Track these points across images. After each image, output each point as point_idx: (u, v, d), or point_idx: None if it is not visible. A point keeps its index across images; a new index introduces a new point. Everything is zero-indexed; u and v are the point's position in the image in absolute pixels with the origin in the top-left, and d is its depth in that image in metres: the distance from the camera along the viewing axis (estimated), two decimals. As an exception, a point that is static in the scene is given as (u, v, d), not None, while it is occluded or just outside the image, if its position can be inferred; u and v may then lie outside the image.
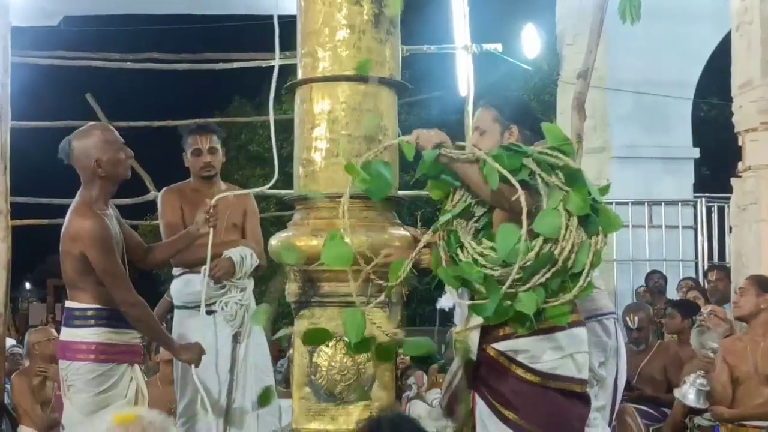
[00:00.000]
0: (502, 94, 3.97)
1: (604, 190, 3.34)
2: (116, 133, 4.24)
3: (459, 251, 3.35)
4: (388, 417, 3.05)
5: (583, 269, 3.17)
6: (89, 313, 4.08)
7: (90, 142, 4.12)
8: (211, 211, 4.29)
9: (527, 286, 3.17)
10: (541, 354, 3.40)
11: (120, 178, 4.21)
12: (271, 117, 4.19)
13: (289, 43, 4.27)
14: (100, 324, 4.08)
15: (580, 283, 3.19)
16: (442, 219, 3.42)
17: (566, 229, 3.13)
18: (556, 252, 3.15)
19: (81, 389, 4.07)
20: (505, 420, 3.43)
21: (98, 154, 4.09)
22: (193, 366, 4.34)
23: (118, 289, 4.02)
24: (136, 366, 4.27)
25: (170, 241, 4.62)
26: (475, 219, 3.46)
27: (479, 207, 3.46)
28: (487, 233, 3.41)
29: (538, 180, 3.18)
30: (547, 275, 3.17)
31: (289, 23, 4.18)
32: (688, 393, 5.25)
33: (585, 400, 3.55)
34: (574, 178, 3.19)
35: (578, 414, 3.52)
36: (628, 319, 6.79)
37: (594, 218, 3.16)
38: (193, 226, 4.39)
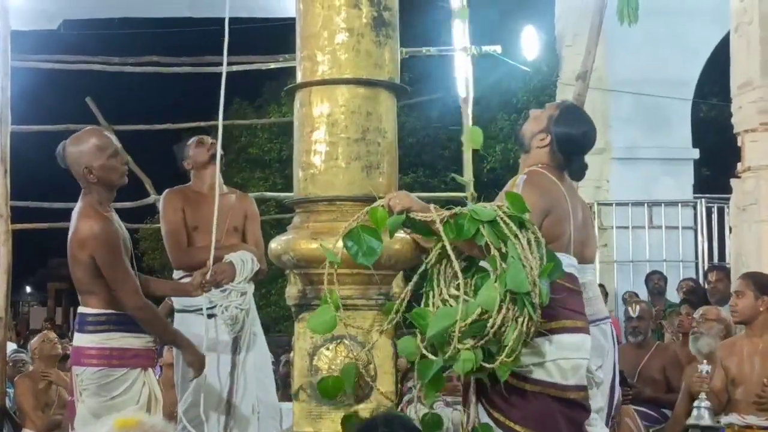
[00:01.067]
0: (577, 114, 4.03)
1: (547, 269, 3.34)
2: (112, 138, 4.18)
3: (431, 295, 3.40)
4: (382, 416, 3.07)
5: (513, 345, 3.26)
6: (103, 318, 4.06)
7: (82, 149, 4.08)
8: (208, 278, 4.32)
9: (465, 346, 3.25)
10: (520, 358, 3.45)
11: (114, 185, 4.15)
12: (221, 123, 4.19)
13: (288, 47, 4.29)
14: (113, 329, 4.06)
15: (502, 356, 3.26)
16: (420, 270, 3.48)
17: (500, 306, 3.22)
18: (489, 324, 3.23)
19: (94, 393, 4.04)
20: (496, 422, 3.51)
21: (89, 160, 4.06)
22: (192, 373, 4.35)
23: (124, 292, 4.00)
24: (150, 370, 4.23)
25: (166, 283, 4.65)
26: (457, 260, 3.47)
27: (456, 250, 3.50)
28: (467, 274, 3.44)
29: (493, 249, 3.27)
30: (481, 342, 3.26)
31: (288, 26, 4.19)
32: (703, 415, 5.18)
33: (578, 405, 3.57)
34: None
35: (570, 418, 3.55)
36: (630, 308, 6.77)
37: (529, 298, 3.24)
38: (189, 284, 4.41)
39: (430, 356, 3.31)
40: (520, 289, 3.21)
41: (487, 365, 3.29)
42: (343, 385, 3.57)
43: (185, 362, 4.39)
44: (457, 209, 3.38)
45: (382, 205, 3.51)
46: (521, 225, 3.31)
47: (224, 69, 4.17)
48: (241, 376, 4.75)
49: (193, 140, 5.16)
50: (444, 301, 3.34)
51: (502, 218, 3.28)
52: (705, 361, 5.19)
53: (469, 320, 3.23)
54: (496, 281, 3.23)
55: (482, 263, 3.34)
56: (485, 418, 3.53)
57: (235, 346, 4.74)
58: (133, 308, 4.02)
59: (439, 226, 3.34)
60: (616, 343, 4.18)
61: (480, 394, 3.56)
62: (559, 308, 3.53)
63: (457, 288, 3.34)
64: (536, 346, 3.46)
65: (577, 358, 3.55)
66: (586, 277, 3.94)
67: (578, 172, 3.94)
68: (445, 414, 4.02)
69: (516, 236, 3.25)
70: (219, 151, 4.78)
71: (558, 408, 3.51)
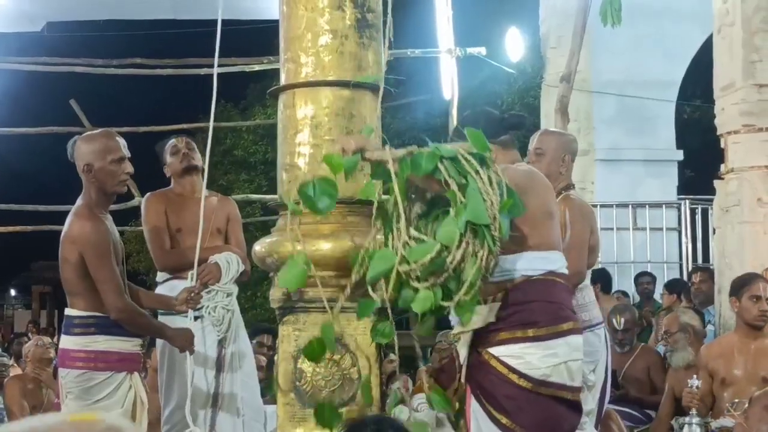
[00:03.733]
0: (465, 119, 3.99)
1: (506, 204, 3.29)
2: (122, 145, 4.14)
3: (390, 236, 3.32)
4: (372, 417, 3.06)
5: (472, 279, 3.18)
6: (90, 320, 4.05)
7: (89, 147, 4.08)
8: (193, 295, 4.32)
9: (425, 284, 3.19)
10: (535, 361, 3.45)
11: (109, 191, 4.13)
12: (211, 125, 4.18)
13: (272, 49, 4.28)
14: (99, 332, 4.05)
15: (462, 292, 3.19)
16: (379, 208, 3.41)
17: (460, 240, 3.15)
18: (448, 260, 3.17)
19: (79, 397, 4.04)
20: (497, 423, 3.47)
21: (91, 159, 4.05)
22: (188, 371, 4.34)
23: (107, 294, 3.99)
24: (136, 374, 4.22)
25: (153, 296, 4.62)
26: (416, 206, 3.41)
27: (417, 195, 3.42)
28: (427, 220, 3.39)
29: (453, 184, 3.20)
30: (440, 280, 3.19)
31: (272, 28, 4.19)
32: (695, 430, 5.12)
33: (576, 407, 3.58)
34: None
35: (570, 420, 3.56)
36: (614, 320, 6.79)
37: (489, 231, 3.17)
38: (173, 300, 4.40)
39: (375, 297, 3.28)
40: (480, 221, 3.13)
41: (445, 304, 3.21)
42: (326, 347, 3.48)
43: (176, 347, 4.37)
44: (414, 147, 3.28)
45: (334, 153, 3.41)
46: (482, 162, 3.24)
47: (215, 70, 4.17)
48: (227, 377, 4.75)
49: (169, 145, 5.10)
50: (404, 244, 3.25)
51: (463, 155, 3.21)
52: (695, 375, 5.16)
53: (428, 258, 3.15)
54: (456, 215, 3.16)
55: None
56: (481, 416, 3.50)
57: (221, 348, 4.74)
58: (114, 310, 4.00)
59: (392, 166, 3.23)
60: (609, 347, 4.20)
61: (478, 392, 3.53)
62: (568, 309, 3.55)
63: (417, 229, 3.27)
64: (553, 348, 3.45)
65: (580, 360, 3.57)
66: (583, 282, 3.95)
67: (518, 121, 3.90)
68: (430, 416, 4.02)
69: (477, 172, 3.19)
70: (206, 155, 4.74)
71: (563, 411, 3.51)
